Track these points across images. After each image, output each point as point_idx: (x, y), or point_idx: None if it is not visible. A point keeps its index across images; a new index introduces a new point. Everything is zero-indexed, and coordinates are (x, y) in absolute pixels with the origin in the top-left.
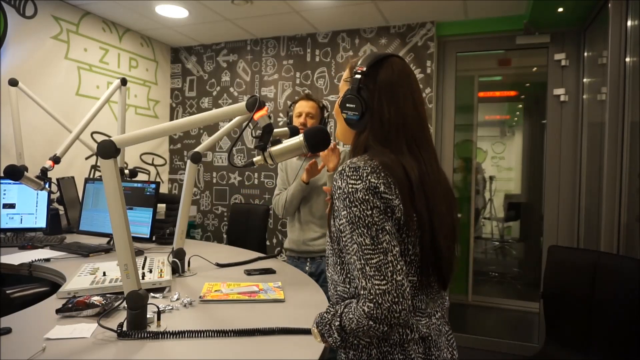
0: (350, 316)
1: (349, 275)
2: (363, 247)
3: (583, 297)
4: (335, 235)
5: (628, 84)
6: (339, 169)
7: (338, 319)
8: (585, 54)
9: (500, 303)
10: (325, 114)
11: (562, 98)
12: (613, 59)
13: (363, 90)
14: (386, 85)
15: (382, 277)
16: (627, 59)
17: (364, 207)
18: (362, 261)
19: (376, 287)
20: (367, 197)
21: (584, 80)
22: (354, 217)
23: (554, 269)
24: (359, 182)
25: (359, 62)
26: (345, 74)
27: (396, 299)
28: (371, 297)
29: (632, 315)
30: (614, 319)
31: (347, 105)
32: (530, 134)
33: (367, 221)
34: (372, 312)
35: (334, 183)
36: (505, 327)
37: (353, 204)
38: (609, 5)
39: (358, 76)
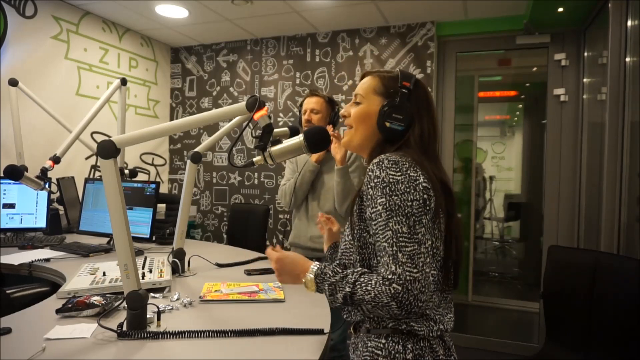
0: (369, 288)
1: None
2: (399, 235)
3: (583, 297)
4: (358, 230)
5: (628, 84)
6: (376, 160)
7: (350, 286)
8: (585, 54)
9: (500, 303)
10: (336, 108)
11: (562, 98)
12: (613, 59)
13: (408, 103)
14: (424, 102)
15: (414, 265)
16: (627, 59)
17: (404, 198)
18: (396, 247)
19: (407, 273)
20: (409, 189)
21: (584, 80)
22: (394, 204)
23: (554, 269)
24: (399, 174)
25: (400, 77)
26: (371, 83)
27: (423, 289)
28: (401, 282)
29: (632, 315)
30: (614, 319)
31: (394, 115)
32: (530, 134)
33: (406, 211)
34: (399, 295)
35: (369, 173)
36: (505, 327)
37: (394, 193)
38: (609, 5)
39: (405, 90)
